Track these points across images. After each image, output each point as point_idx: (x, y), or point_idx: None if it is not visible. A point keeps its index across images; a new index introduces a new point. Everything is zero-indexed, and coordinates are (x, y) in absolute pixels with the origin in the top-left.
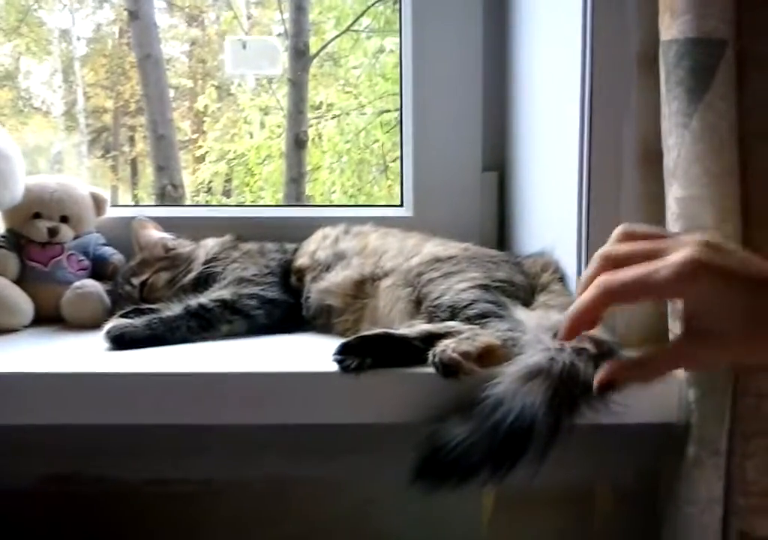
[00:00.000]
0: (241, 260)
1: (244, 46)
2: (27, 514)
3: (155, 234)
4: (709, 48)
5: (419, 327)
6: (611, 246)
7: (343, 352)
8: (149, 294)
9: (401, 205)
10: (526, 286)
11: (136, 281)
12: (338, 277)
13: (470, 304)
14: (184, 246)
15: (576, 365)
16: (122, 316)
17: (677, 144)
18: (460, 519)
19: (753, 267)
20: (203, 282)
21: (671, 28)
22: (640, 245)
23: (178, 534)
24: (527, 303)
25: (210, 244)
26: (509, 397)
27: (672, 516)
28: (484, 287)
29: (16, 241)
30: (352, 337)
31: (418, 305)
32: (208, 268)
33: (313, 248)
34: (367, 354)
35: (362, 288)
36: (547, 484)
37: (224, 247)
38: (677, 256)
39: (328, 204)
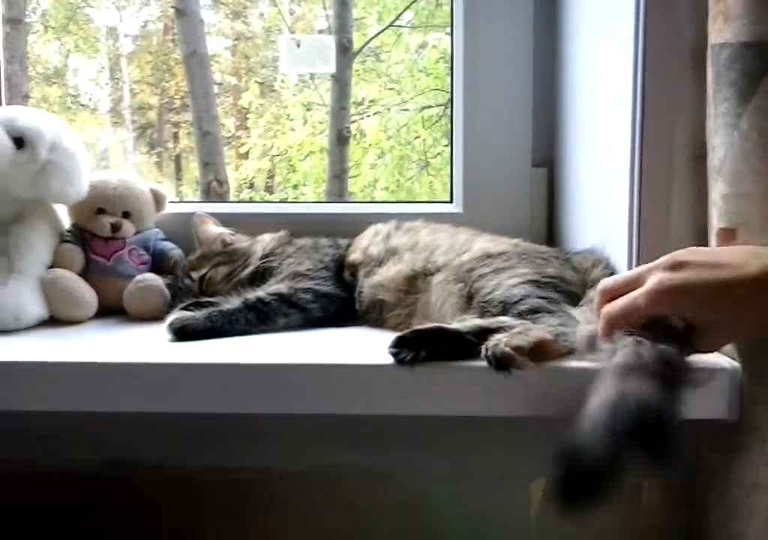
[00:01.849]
0: (296, 255)
1: (299, 45)
2: (87, 498)
3: (215, 229)
4: (763, 50)
5: (471, 322)
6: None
7: (398, 345)
8: (208, 288)
9: (451, 202)
10: (576, 282)
11: (195, 275)
12: (390, 272)
13: (521, 299)
14: (241, 241)
15: (662, 349)
16: (183, 309)
17: (725, 143)
18: (508, 512)
19: (719, 271)
20: (260, 276)
21: (724, 31)
22: (624, 277)
23: (233, 520)
24: (578, 298)
25: (266, 240)
26: (619, 400)
27: (718, 500)
28: (535, 283)
29: (81, 235)
30: (407, 330)
31: (469, 300)
32: (264, 262)
33: (366, 244)
34: (421, 347)
35: (414, 283)
36: None
37: (280, 242)
38: (647, 284)
39: (378, 201)
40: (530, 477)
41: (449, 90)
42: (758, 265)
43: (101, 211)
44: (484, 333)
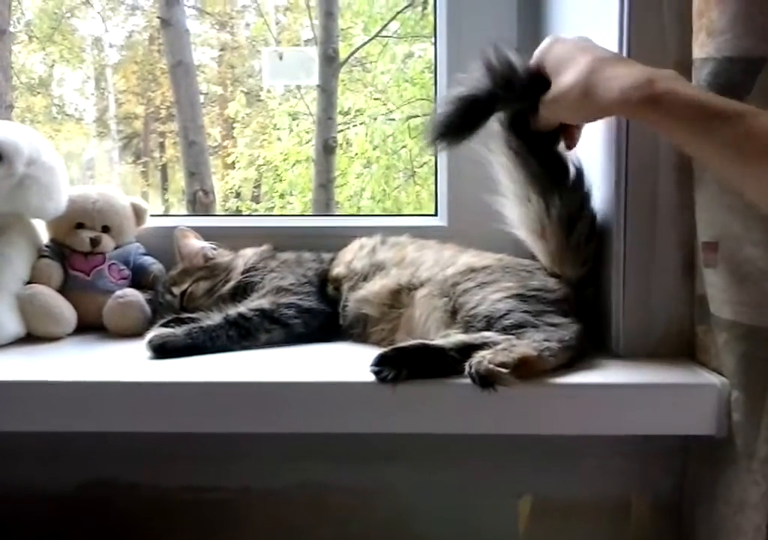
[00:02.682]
0: (279, 270)
1: (281, 58)
2: (64, 519)
3: (196, 243)
4: (747, 65)
5: (455, 337)
6: None
7: (380, 363)
8: (189, 303)
9: (435, 215)
10: (561, 291)
11: (176, 291)
12: (376, 286)
13: (506, 314)
14: (223, 255)
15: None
16: (163, 325)
17: None
18: (495, 528)
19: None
20: (242, 291)
21: (706, 46)
22: None
23: None
24: (565, 305)
25: (248, 254)
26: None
27: (705, 517)
28: (519, 296)
29: (60, 250)
30: (389, 348)
31: (453, 315)
32: (246, 277)
33: (350, 258)
34: (403, 365)
35: (398, 297)
36: (583, 493)
37: (262, 256)
38: None
39: (362, 213)
40: (517, 493)
41: (434, 100)
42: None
43: (80, 225)
44: (468, 349)
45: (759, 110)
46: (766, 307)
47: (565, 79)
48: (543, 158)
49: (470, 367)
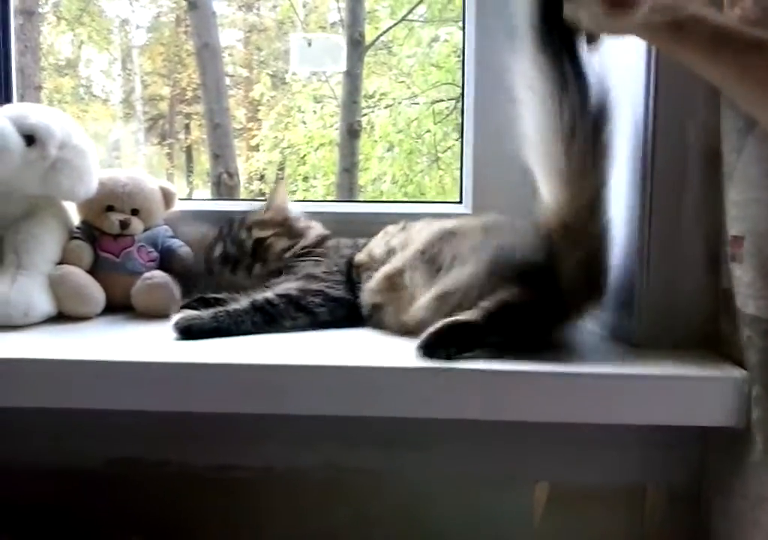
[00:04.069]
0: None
1: (310, 44)
2: (92, 495)
3: (287, 199)
4: None
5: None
6: None
7: (427, 347)
8: (262, 253)
9: (460, 202)
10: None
11: (255, 234)
12: (379, 274)
13: None
14: (299, 221)
15: None
16: (189, 306)
17: (735, 148)
18: (511, 513)
19: None
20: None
21: None
22: None
23: (236, 518)
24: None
25: (317, 231)
26: None
27: (723, 509)
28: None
29: (90, 232)
30: (425, 336)
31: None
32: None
33: (372, 245)
34: (449, 344)
35: (396, 281)
36: (600, 481)
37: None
38: None
39: (385, 199)
40: (534, 479)
41: (460, 85)
42: None
43: (110, 208)
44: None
45: None
46: None
47: None
48: (573, 58)
49: None
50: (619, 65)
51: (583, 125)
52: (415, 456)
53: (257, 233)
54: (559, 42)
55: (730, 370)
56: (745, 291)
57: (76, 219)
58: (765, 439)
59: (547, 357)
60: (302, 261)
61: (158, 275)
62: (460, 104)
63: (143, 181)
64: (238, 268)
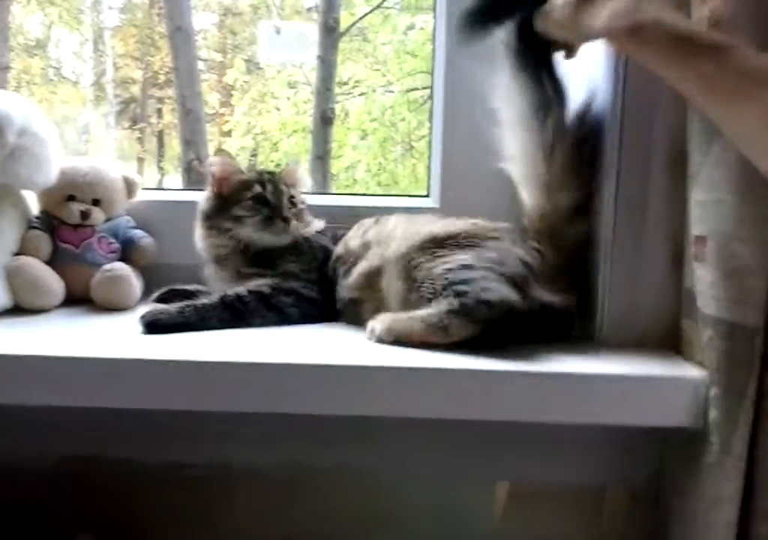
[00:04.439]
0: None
1: (278, 32)
2: (47, 493)
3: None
4: None
5: None
6: None
7: None
8: (292, 207)
9: (428, 196)
10: (522, 262)
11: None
12: (356, 271)
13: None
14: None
15: None
16: (158, 299)
17: (701, 149)
18: (472, 511)
19: None
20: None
21: None
22: None
23: (194, 517)
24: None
25: (316, 226)
26: None
27: (679, 510)
28: (468, 267)
29: (49, 222)
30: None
31: (411, 291)
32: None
33: (349, 237)
34: None
35: (374, 279)
36: (560, 480)
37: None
38: None
39: (355, 193)
40: (495, 477)
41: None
42: None
43: (71, 198)
44: None
45: (745, 46)
46: (750, 306)
47: None
48: (551, 75)
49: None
50: (589, 65)
51: (562, 139)
52: (376, 454)
53: (293, 192)
54: (536, 57)
55: (690, 370)
56: (707, 291)
57: (35, 208)
58: (721, 441)
59: (508, 355)
60: (287, 254)
61: (118, 267)
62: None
63: (105, 171)
64: (273, 216)
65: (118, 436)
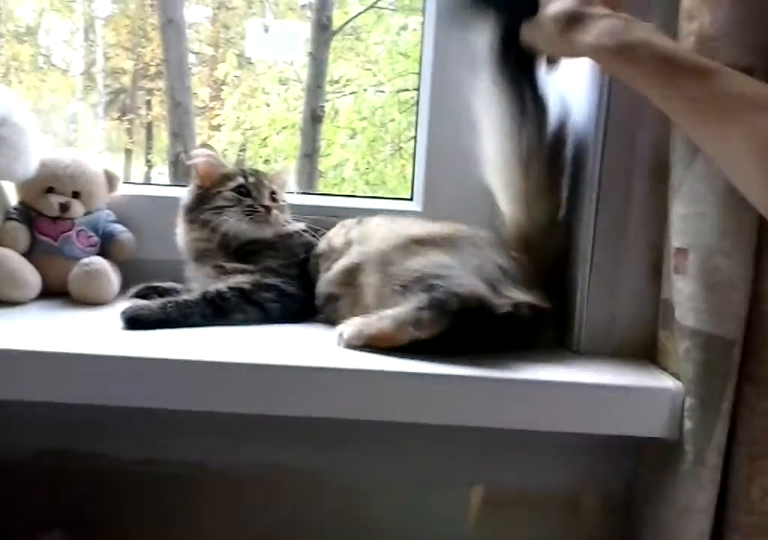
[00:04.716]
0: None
1: (266, 30)
2: (19, 487)
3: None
4: None
5: None
6: None
7: None
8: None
9: (411, 199)
10: (504, 269)
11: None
12: (337, 266)
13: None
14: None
15: None
16: (137, 294)
17: (685, 162)
18: (446, 515)
19: None
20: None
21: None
22: None
23: (167, 516)
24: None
25: (295, 226)
26: None
27: (651, 519)
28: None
29: (28, 214)
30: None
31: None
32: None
33: (331, 235)
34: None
35: (353, 275)
36: (535, 487)
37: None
38: None
39: (335, 193)
40: (469, 482)
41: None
42: None
43: (50, 190)
44: None
45: (731, 70)
46: (729, 318)
47: (551, 7)
48: (532, 85)
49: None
50: (573, 75)
51: (540, 149)
52: (353, 457)
53: (274, 188)
54: (518, 67)
55: (666, 381)
56: (686, 303)
57: (14, 200)
58: (696, 451)
59: (484, 362)
60: (268, 249)
61: (96, 261)
62: None
63: (86, 163)
64: (254, 206)
65: (93, 431)
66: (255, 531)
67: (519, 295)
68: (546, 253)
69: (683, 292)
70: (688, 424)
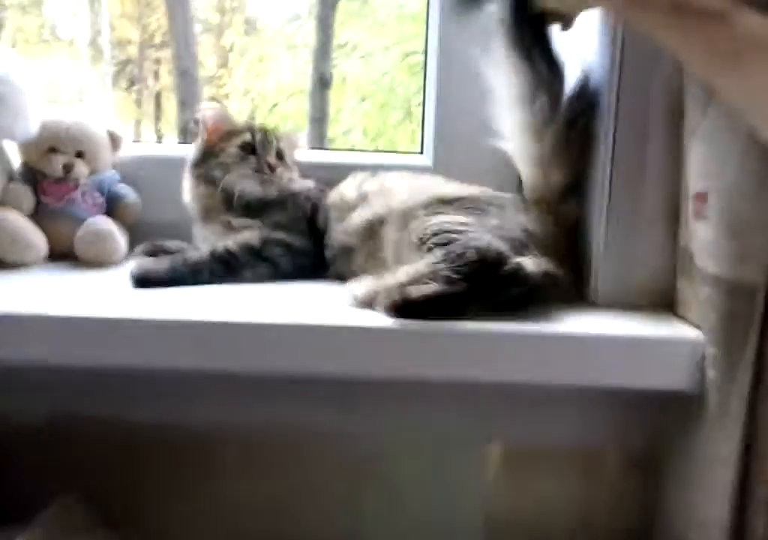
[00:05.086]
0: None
1: None
2: (32, 452)
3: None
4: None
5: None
6: None
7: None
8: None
9: (421, 153)
10: (524, 230)
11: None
12: (356, 217)
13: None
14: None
15: None
16: (146, 252)
17: (701, 103)
18: (464, 472)
19: None
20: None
21: None
22: None
23: (183, 478)
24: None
25: (305, 183)
26: None
27: (676, 472)
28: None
29: (32, 175)
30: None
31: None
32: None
33: (342, 188)
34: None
35: (373, 229)
36: (554, 442)
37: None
38: None
39: (346, 148)
40: (487, 439)
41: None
42: None
43: (53, 150)
44: None
45: (747, 10)
46: (751, 262)
47: None
48: (546, 51)
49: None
50: (584, 20)
51: (556, 116)
52: (370, 417)
53: (282, 146)
54: (531, 34)
55: (686, 331)
56: (706, 249)
57: (16, 161)
58: (720, 401)
59: (499, 316)
60: (275, 206)
61: (102, 221)
62: None
63: (88, 124)
64: (259, 164)
65: (105, 394)
66: (271, 494)
67: (537, 259)
68: (563, 219)
69: (703, 237)
70: (710, 374)
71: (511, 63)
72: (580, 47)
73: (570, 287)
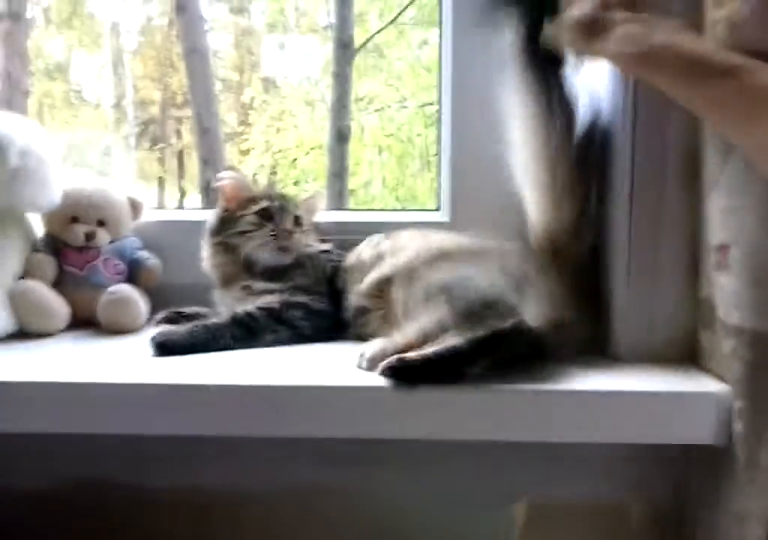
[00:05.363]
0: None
1: (282, 47)
2: (54, 519)
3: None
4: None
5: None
6: None
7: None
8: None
9: (438, 210)
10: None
11: (299, 212)
12: (369, 278)
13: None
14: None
15: None
16: (165, 320)
17: (722, 154)
18: (490, 532)
19: None
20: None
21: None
22: None
23: None
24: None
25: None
26: None
27: (707, 525)
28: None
29: (54, 244)
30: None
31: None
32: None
33: (360, 250)
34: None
35: (383, 287)
36: (581, 499)
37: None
38: None
39: (363, 208)
40: (513, 497)
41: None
42: None
43: (75, 219)
44: None
45: (758, 64)
46: None
47: (570, 13)
48: (560, 85)
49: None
50: (600, 70)
51: (568, 149)
52: (389, 476)
53: (299, 212)
54: (546, 66)
55: (710, 384)
56: (729, 300)
57: (40, 231)
58: (748, 454)
59: (523, 374)
60: (294, 269)
61: (124, 289)
62: None
63: (109, 191)
64: (277, 230)
65: (126, 460)
66: None
67: (540, 306)
68: (574, 256)
69: (726, 289)
70: (738, 427)
71: (525, 94)
72: (594, 83)
73: (587, 330)
